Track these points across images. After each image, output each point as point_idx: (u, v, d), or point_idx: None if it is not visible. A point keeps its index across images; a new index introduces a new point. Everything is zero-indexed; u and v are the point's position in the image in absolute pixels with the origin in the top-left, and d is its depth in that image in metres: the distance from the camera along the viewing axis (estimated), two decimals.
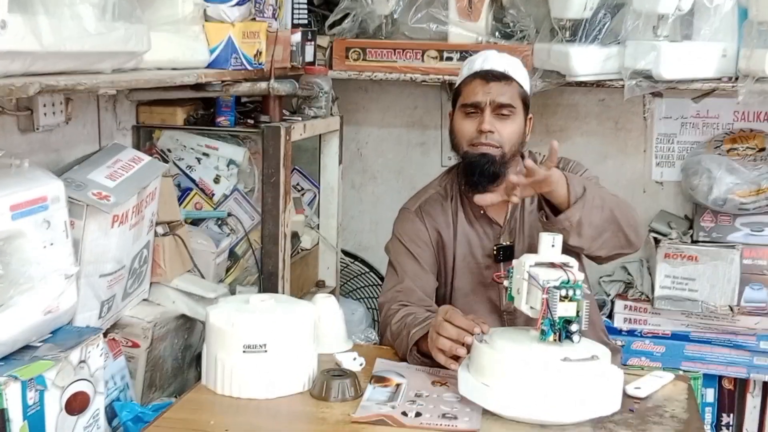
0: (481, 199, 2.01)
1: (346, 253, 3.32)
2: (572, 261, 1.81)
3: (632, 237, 2.09)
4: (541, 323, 1.75)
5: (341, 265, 3.20)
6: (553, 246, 1.81)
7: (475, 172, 2.14)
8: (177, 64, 2.06)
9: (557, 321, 1.74)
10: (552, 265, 1.80)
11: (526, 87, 2.22)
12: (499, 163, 2.14)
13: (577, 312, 1.75)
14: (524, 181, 1.90)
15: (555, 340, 1.76)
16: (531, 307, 1.79)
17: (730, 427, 2.94)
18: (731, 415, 2.94)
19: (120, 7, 1.73)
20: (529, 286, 1.79)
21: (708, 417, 2.91)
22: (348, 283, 3.35)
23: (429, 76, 2.89)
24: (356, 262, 3.36)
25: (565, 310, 1.74)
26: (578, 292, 1.74)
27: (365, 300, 3.32)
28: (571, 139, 3.19)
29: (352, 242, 3.40)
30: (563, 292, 1.73)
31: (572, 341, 1.76)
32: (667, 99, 3.05)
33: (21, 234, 1.56)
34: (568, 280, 1.75)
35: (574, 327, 1.75)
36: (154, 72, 1.91)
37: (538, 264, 1.80)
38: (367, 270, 3.34)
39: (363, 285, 3.35)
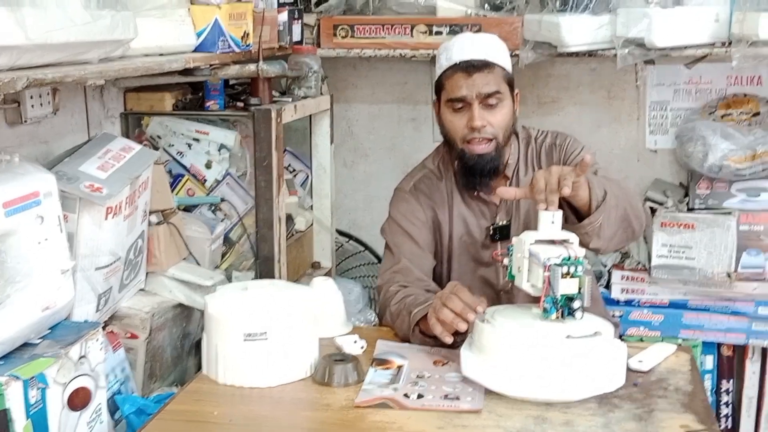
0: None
1: (340, 232, 3.30)
2: (572, 237, 1.80)
3: (638, 229, 2.09)
4: (544, 301, 1.74)
5: (336, 245, 3.18)
6: (552, 223, 1.80)
7: (475, 173, 2.14)
8: (164, 50, 2.03)
9: (560, 298, 1.73)
10: (552, 242, 1.79)
11: (508, 66, 2.18)
12: (496, 156, 2.14)
13: (579, 288, 1.74)
14: (553, 187, 1.84)
15: (558, 317, 1.75)
16: (532, 285, 1.78)
17: (730, 393, 2.95)
18: (731, 381, 2.94)
19: None
20: (530, 264, 1.78)
21: (708, 384, 2.92)
22: (343, 262, 3.33)
23: (419, 52, 2.85)
24: (351, 241, 3.34)
25: (567, 287, 1.73)
26: (579, 268, 1.73)
27: (361, 279, 3.31)
28: (564, 110, 3.17)
29: (346, 221, 3.38)
30: (565, 269, 1.72)
31: (575, 318, 1.75)
32: (659, 66, 3.02)
33: (15, 231, 1.54)
34: (569, 257, 1.74)
35: (576, 304, 1.74)
36: (142, 59, 1.87)
37: (538, 241, 1.79)
38: (362, 249, 3.32)
39: (358, 264, 3.33)
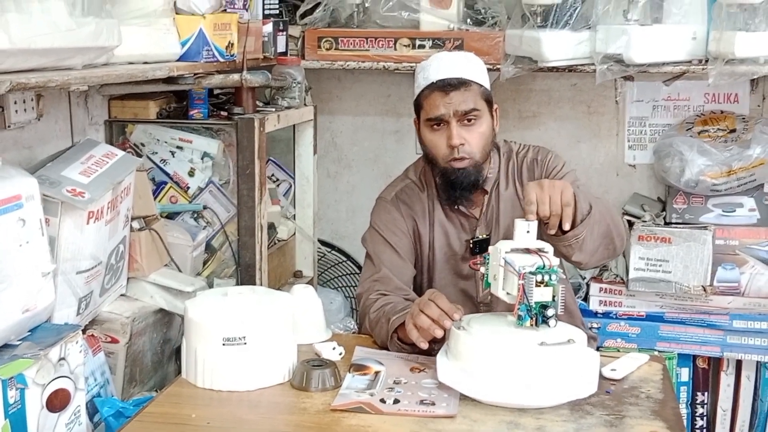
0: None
1: (323, 242, 3.32)
2: (547, 246, 1.83)
3: (619, 247, 2.14)
4: (518, 308, 1.77)
5: (318, 255, 3.20)
6: (528, 232, 1.84)
7: (456, 187, 2.18)
8: (148, 58, 2.05)
9: (533, 306, 1.76)
10: (527, 250, 1.83)
11: (486, 83, 2.22)
12: (475, 171, 2.17)
13: (553, 297, 1.77)
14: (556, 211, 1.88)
15: (532, 325, 1.78)
16: (507, 293, 1.81)
17: (705, 405, 2.98)
18: (706, 393, 2.98)
19: (90, 2, 1.73)
20: (506, 272, 1.81)
21: (683, 395, 2.95)
22: (326, 272, 3.35)
23: (402, 64, 2.89)
24: (333, 251, 3.37)
25: (541, 295, 1.76)
26: (554, 277, 1.77)
27: (343, 289, 3.33)
28: (544, 124, 3.21)
29: (329, 231, 3.40)
30: (539, 278, 1.75)
31: (549, 326, 1.78)
32: (639, 82, 3.07)
33: None
34: (544, 266, 1.77)
35: (550, 311, 1.77)
36: (126, 67, 1.90)
37: (513, 250, 1.83)
38: (345, 259, 3.35)
39: (341, 274, 3.36)
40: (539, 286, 1.75)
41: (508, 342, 1.76)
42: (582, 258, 2.02)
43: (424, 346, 1.88)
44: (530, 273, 1.75)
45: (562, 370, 1.76)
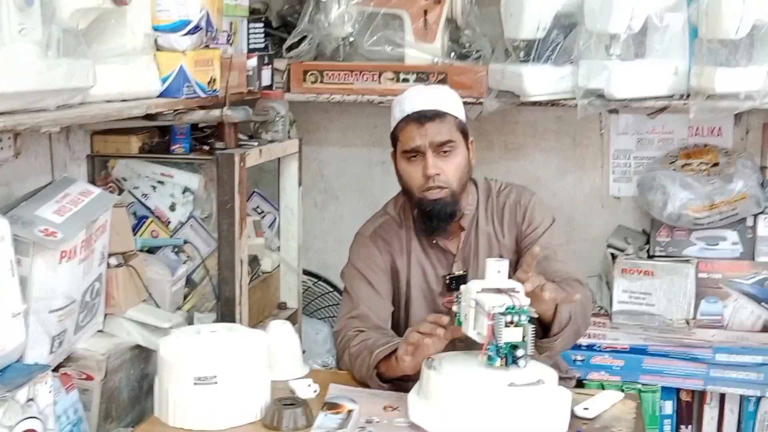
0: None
1: (309, 273, 3.33)
2: (518, 286, 1.84)
3: (582, 334, 2.20)
4: (487, 349, 1.78)
5: (305, 286, 3.21)
6: (499, 272, 1.84)
7: (432, 218, 2.19)
8: (127, 96, 2.07)
9: (503, 346, 1.77)
10: (498, 290, 1.83)
11: (461, 116, 2.24)
12: (452, 202, 2.18)
13: (523, 337, 1.78)
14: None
15: (502, 365, 1.79)
16: (478, 333, 1.82)
17: None
18: (689, 426, 2.97)
19: (65, 43, 1.74)
20: (476, 312, 1.82)
21: (667, 429, 2.94)
22: (312, 302, 3.36)
23: (386, 98, 2.90)
24: (319, 282, 3.37)
25: (510, 335, 1.77)
26: (524, 317, 1.77)
27: (330, 319, 3.33)
28: (530, 156, 3.22)
29: (316, 262, 3.41)
30: (508, 318, 1.76)
31: (519, 366, 1.79)
32: (624, 115, 3.08)
33: None
34: (514, 306, 1.78)
35: (520, 352, 1.78)
36: (101, 106, 1.91)
37: (484, 290, 1.83)
38: (331, 289, 3.35)
39: (327, 304, 3.36)
40: (509, 326, 1.76)
41: (477, 382, 1.77)
42: (549, 357, 2.07)
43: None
44: (500, 314, 1.76)
45: (532, 411, 1.76)
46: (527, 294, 1.81)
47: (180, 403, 1.83)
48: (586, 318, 2.15)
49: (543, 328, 1.99)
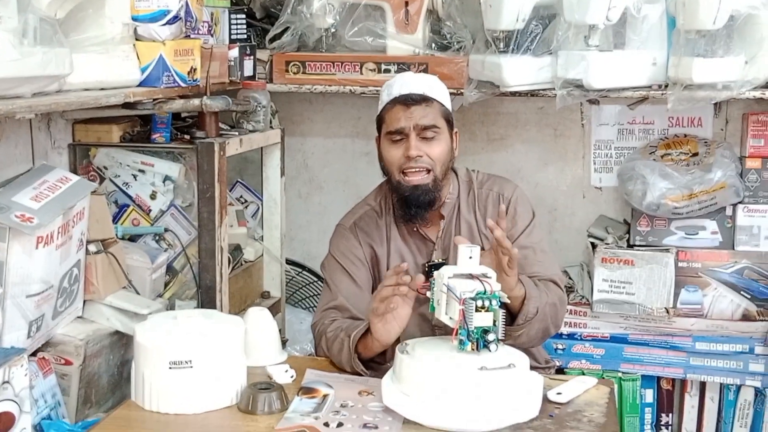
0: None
1: (293, 263, 3.35)
2: (490, 272, 1.86)
3: (552, 334, 2.23)
4: (458, 333, 1.80)
5: (289, 276, 3.23)
6: (470, 258, 1.87)
7: (411, 205, 2.21)
8: (106, 84, 2.08)
9: (474, 331, 1.79)
10: (470, 276, 1.85)
11: (447, 104, 2.27)
12: (433, 189, 2.20)
13: (494, 321, 1.80)
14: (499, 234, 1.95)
15: (473, 349, 1.81)
16: (450, 318, 1.84)
17: (670, 427, 3.00)
18: (670, 414, 3.00)
19: (41, 32, 1.76)
20: (448, 297, 1.84)
21: (648, 417, 2.97)
22: (297, 292, 3.38)
23: (368, 88, 2.92)
24: (304, 272, 3.39)
25: (481, 320, 1.79)
26: (494, 302, 1.80)
27: (314, 309, 3.35)
28: (512, 147, 3.24)
29: (301, 252, 3.43)
30: (479, 303, 1.78)
31: (490, 350, 1.81)
32: (604, 106, 3.11)
33: None
34: (485, 291, 1.80)
35: (491, 336, 1.80)
36: (77, 94, 1.93)
37: (456, 275, 1.86)
38: (315, 279, 3.37)
39: (311, 294, 3.38)
40: (480, 311, 1.78)
41: (449, 366, 1.79)
42: (512, 344, 2.07)
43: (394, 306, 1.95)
44: (470, 299, 1.78)
45: (503, 395, 1.78)
46: (497, 240, 1.89)
47: (156, 387, 1.85)
48: (557, 319, 2.19)
49: (511, 318, 2.02)
